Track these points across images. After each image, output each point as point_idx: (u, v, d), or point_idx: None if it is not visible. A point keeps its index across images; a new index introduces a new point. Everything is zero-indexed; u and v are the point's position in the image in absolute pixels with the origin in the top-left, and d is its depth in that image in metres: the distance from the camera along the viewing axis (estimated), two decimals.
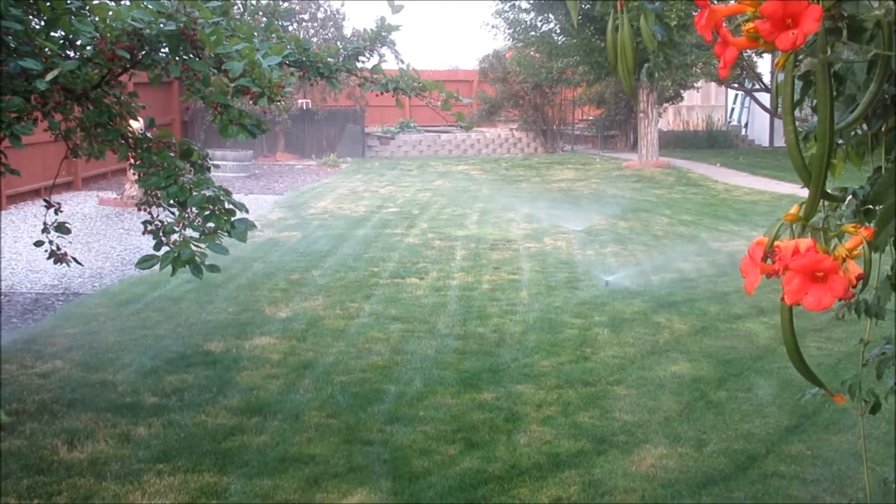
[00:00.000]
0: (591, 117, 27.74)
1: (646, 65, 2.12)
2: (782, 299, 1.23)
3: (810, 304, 1.20)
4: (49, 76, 3.97)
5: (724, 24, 1.25)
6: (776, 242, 1.27)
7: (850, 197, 1.79)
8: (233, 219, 4.51)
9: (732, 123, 28.75)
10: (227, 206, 4.55)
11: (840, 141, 1.89)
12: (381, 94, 5.42)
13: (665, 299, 8.56)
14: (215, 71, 4.29)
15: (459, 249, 11.27)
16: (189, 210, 4.55)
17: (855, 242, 1.28)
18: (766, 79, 23.65)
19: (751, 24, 1.21)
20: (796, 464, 4.94)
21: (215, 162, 5.56)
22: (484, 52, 26.75)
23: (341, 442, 5.22)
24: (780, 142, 25.11)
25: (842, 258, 1.23)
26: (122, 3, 4.33)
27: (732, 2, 1.26)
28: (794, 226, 1.29)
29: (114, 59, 4.18)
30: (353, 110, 24.12)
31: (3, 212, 13.86)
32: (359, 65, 5.42)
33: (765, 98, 23.86)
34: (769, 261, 1.26)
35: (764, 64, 24.09)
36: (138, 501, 4.45)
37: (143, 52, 4.30)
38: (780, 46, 1.17)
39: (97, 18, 4.14)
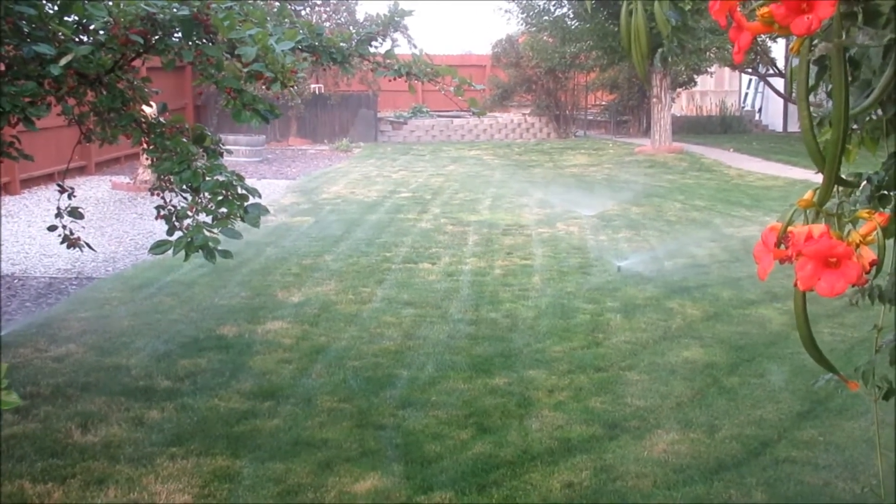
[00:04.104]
0: (603, 102, 27.63)
1: (660, 50, 2.10)
2: (795, 285, 1.23)
3: (823, 289, 1.20)
4: (62, 61, 3.98)
5: (738, 9, 1.25)
6: (789, 228, 1.26)
7: (864, 182, 1.78)
8: (245, 204, 4.52)
9: (746, 108, 28.60)
10: (239, 191, 4.56)
11: (855, 126, 1.88)
12: (394, 79, 5.42)
13: (677, 285, 8.54)
14: (228, 56, 4.29)
15: (472, 234, 11.26)
16: (202, 195, 4.56)
17: (869, 228, 1.28)
18: (781, 64, 23.52)
19: (765, 9, 1.20)
20: (809, 449, 4.93)
21: (228, 147, 5.57)
22: (497, 36, 26.73)
23: (354, 426, 5.24)
24: (793, 127, 24.98)
25: (855, 244, 1.23)
26: None
27: None
28: (807, 211, 1.29)
29: (127, 43, 4.18)
30: (365, 95, 24.07)
31: (17, 196, 13.92)
32: (371, 50, 5.41)
33: (779, 83, 23.71)
34: (782, 246, 1.26)
35: (778, 49, 23.95)
36: (151, 484, 4.49)
37: (157, 37, 4.30)
38: (795, 31, 1.17)
39: (111, 3, 4.14)
